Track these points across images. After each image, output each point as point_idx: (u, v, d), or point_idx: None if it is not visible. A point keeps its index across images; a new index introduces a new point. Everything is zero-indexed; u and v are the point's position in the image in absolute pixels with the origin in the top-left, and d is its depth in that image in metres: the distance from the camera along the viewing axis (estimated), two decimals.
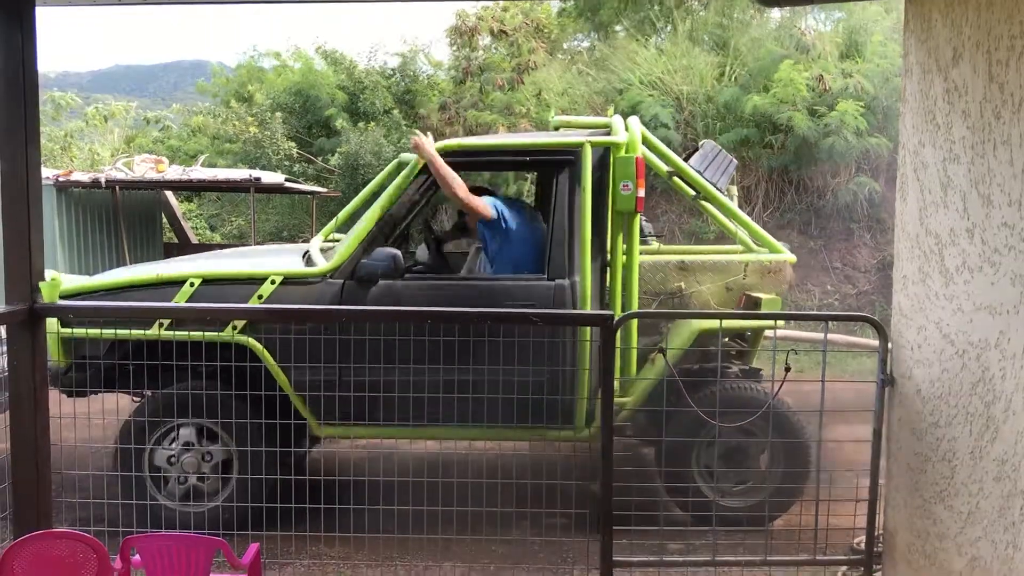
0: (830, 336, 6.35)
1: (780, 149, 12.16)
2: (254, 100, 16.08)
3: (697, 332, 4.69)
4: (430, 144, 4.64)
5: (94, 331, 4.39)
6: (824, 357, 3.81)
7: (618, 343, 3.82)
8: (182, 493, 4.63)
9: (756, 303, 4.93)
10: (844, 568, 4.12)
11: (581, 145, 4.67)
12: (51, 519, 3.82)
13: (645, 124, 12.29)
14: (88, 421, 3.90)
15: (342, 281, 4.59)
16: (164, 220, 13.88)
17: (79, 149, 19.78)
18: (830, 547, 4.02)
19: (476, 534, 4.25)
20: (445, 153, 4.68)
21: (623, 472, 4.47)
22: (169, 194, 13.37)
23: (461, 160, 4.77)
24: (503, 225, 4.77)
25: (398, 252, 4.54)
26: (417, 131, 4.88)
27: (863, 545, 4.18)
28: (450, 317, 4.00)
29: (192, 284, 4.59)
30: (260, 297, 4.55)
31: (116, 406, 4.35)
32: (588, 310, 4.53)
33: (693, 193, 5.50)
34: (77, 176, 10.54)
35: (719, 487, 4.77)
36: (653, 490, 5.29)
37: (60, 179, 10.36)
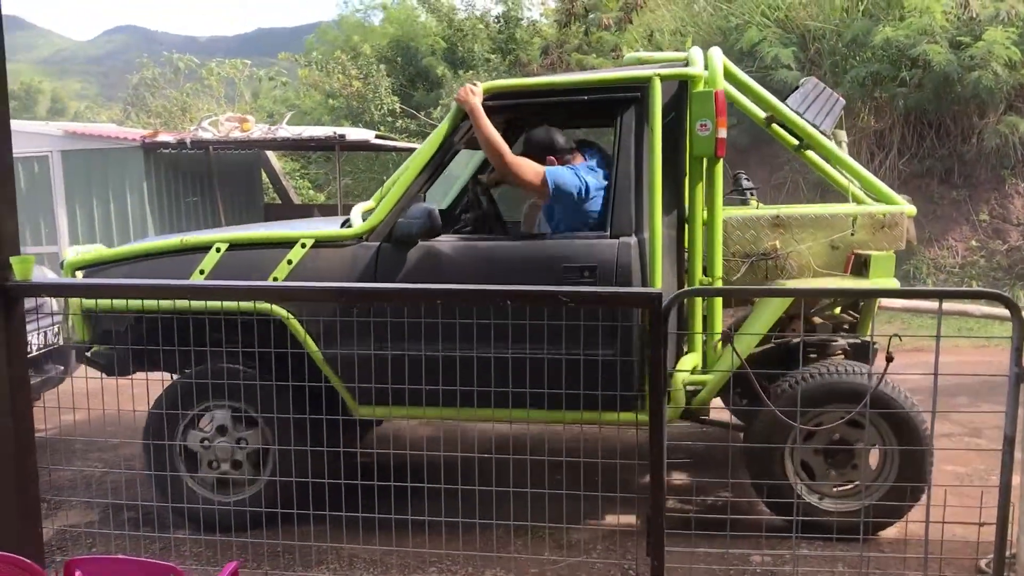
0: (963, 308, 5.43)
1: (917, 87, 10.85)
2: (361, 53, 15.71)
3: (786, 306, 3.93)
4: (477, 98, 4.00)
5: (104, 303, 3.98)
6: (937, 343, 2.99)
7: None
8: (210, 484, 4.25)
9: (865, 262, 4.14)
10: None
11: (649, 79, 3.93)
12: (39, 518, 3.47)
13: (765, 66, 11.41)
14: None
15: (378, 244, 4.06)
16: (267, 180, 13.73)
17: (198, 111, 19.99)
18: (948, 565, 3.26)
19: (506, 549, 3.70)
20: (485, 97, 4.04)
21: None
22: (270, 153, 13.18)
23: (503, 104, 4.11)
24: (568, 197, 4.08)
25: (433, 207, 3.94)
26: (475, 81, 4.16)
27: (990, 567, 3.42)
28: (462, 295, 3.36)
29: (218, 250, 4.16)
30: (289, 262, 4.06)
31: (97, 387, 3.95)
32: (659, 273, 3.84)
33: (796, 142, 4.66)
34: (163, 137, 10.40)
35: (817, 490, 4.03)
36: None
37: (147, 140, 10.26)
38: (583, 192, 4.06)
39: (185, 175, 11.17)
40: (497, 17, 15.66)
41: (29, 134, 10.63)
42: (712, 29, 12.90)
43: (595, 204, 4.09)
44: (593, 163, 4.20)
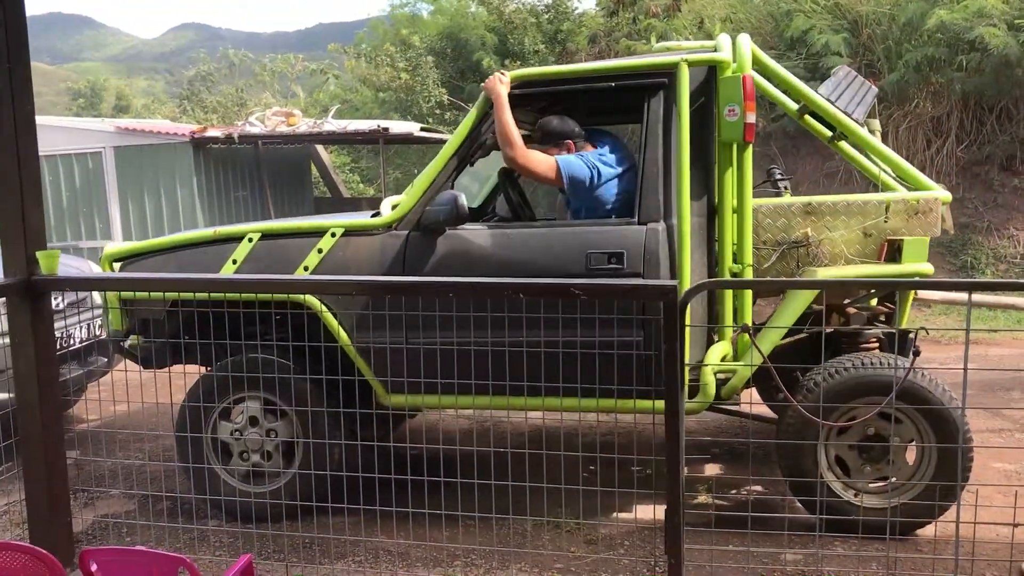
0: (1012, 301, 5.24)
1: (976, 71, 10.50)
2: (410, 45, 15.75)
3: (814, 296, 3.84)
4: (504, 88, 4.01)
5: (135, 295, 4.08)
6: (967, 336, 2.89)
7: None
8: (243, 474, 4.30)
9: (899, 248, 4.05)
10: None
11: (676, 65, 3.89)
12: (68, 510, 3.53)
13: (813, 54, 11.13)
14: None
15: (407, 232, 4.08)
16: (317, 174, 13.84)
17: (255, 105, 20.22)
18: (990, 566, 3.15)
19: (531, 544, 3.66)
20: (513, 85, 4.05)
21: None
22: (320, 148, 13.29)
23: (530, 92, 4.11)
24: (580, 184, 4.07)
25: (460, 194, 3.96)
26: (504, 71, 4.15)
27: None
28: (473, 288, 3.35)
29: (251, 240, 4.24)
30: (320, 251, 4.12)
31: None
32: (687, 260, 3.80)
33: (829, 133, 4.57)
34: (212, 132, 10.55)
35: (852, 486, 3.92)
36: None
37: (195, 135, 10.42)
38: (595, 179, 4.05)
39: (235, 169, 11.33)
40: (547, 6, 15.57)
41: (83, 131, 10.87)
42: (763, 15, 12.64)
43: (608, 192, 4.08)
44: (605, 151, 4.17)
